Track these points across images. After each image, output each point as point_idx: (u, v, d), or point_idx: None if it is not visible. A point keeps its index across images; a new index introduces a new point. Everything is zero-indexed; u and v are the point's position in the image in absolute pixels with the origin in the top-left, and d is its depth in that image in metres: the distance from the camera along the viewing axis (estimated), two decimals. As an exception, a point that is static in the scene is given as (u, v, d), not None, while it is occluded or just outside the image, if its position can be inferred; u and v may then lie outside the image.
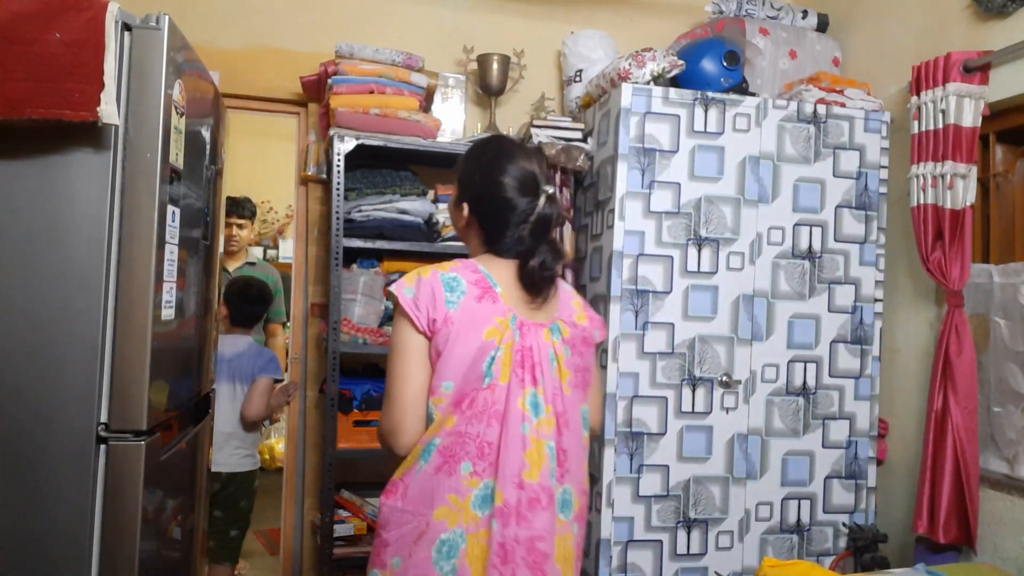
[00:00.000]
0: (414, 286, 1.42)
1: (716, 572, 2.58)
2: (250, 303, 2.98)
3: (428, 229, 2.79)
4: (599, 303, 2.64)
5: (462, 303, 1.41)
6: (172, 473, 1.85)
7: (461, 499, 1.36)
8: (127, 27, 1.60)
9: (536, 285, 1.47)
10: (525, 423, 1.40)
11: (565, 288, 1.60)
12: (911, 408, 2.69)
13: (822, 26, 3.13)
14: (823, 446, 2.67)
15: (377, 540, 1.43)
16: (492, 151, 1.53)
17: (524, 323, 1.44)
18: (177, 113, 1.72)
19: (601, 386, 1.82)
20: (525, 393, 1.41)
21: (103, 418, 1.58)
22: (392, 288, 1.45)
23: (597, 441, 2.57)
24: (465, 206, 1.53)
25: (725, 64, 2.70)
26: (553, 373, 1.46)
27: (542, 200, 1.47)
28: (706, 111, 2.60)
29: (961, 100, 2.42)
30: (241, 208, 3.68)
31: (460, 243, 2.78)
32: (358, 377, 2.81)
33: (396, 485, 1.44)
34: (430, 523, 1.36)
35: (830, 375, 2.69)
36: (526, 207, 1.46)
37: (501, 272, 1.48)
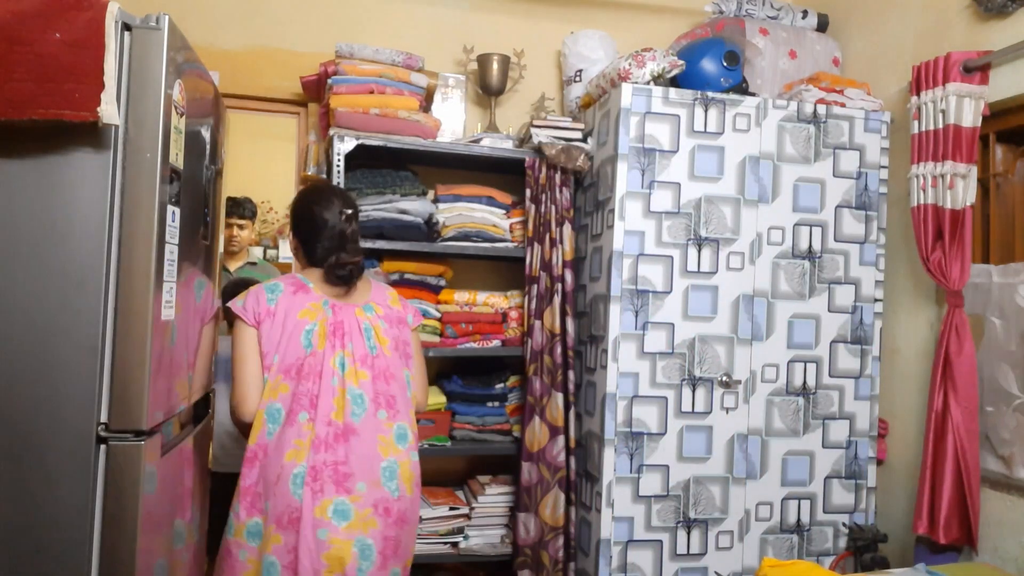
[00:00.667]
0: (243, 298, 1.92)
1: (716, 572, 2.58)
2: None
3: (428, 229, 2.79)
4: (599, 303, 2.64)
5: (279, 299, 1.91)
6: (172, 473, 1.85)
7: (303, 440, 1.82)
8: (127, 27, 1.60)
9: (339, 278, 1.96)
10: (334, 377, 1.88)
11: (380, 284, 2.15)
12: (911, 408, 2.69)
13: (822, 26, 3.13)
14: (823, 446, 2.67)
15: (248, 496, 1.84)
16: (308, 192, 2.12)
17: (336, 305, 1.95)
18: (177, 113, 1.72)
19: (425, 369, 2.18)
20: (335, 355, 1.89)
21: (103, 418, 1.58)
22: (228, 305, 1.93)
23: (597, 441, 2.58)
24: (292, 236, 2.07)
25: (725, 64, 2.70)
26: (369, 339, 1.95)
27: (340, 219, 1.98)
28: (706, 111, 2.60)
29: (961, 100, 2.42)
30: (242, 208, 3.68)
31: (460, 243, 2.80)
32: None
33: (255, 452, 1.85)
34: (284, 465, 1.81)
35: (830, 375, 2.69)
36: (329, 224, 1.98)
37: (313, 277, 1.99)
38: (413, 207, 2.72)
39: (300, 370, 1.86)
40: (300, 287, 1.95)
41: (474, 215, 2.81)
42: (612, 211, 2.56)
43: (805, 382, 2.67)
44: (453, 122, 3.04)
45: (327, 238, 1.98)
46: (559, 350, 2.73)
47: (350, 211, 2.02)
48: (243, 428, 1.87)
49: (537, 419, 2.72)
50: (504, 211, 2.88)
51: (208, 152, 2.08)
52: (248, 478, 1.85)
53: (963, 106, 2.42)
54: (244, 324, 1.90)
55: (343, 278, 1.97)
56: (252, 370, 1.88)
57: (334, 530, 1.79)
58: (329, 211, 2.00)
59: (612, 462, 2.52)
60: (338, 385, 1.87)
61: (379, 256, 2.80)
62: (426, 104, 2.86)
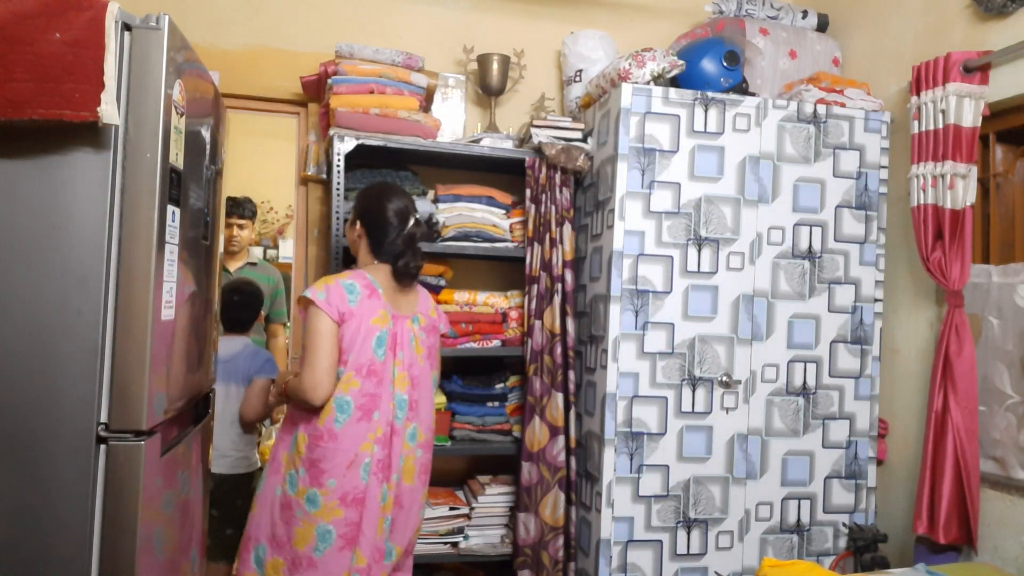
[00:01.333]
0: (323, 291, 2.04)
1: (716, 572, 2.58)
2: (235, 308, 2.97)
3: (428, 229, 2.79)
4: (599, 303, 2.64)
5: (359, 301, 2.06)
6: (172, 473, 1.85)
7: (373, 434, 2.05)
8: (127, 27, 1.60)
9: (403, 277, 2.17)
10: (390, 383, 2.10)
11: (424, 291, 2.32)
12: (911, 408, 2.69)
13: (822, 26, 3.13)
14: (823, 446, 2.67)
15: (313, 469, 2.01)
16: (385, 189, 2.27)
17: (395, 316, 2.14)
18: (177, 113, 1.72)
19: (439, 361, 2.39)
20: (393, 364, 2.11)
21: (103, 418, 1.58)
22: (306, 293, 2.06)
23: (597, 441, 2.58)
24: (359, 224, 2.21)
25: (725, 64, 2.70)
26: (411, 349, 2.16)
27: (411, 223, 2.18)
28: (706, 111, 2.60)
29: (961, 100, 2.42)
30: (242, 208, 3.68)
31: (460, 243, 2.80)
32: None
33: (321, 433, 2.02)
34: (358, 454, 2.03)
35: (830, 375, 2.69)
36: (399, 226, 2.17)
37: (380, 276, 2.15)
38: (413, 207, 2.72)
39: (370, 371, 2.05)
40: (372, 291, 2.10)
41: (474, 215, 2.81)
42: (612, 211, 2.56)
43: (805, 382, 2.67)
44: (453, 122, 3.04)
45: (400, 238, 2.17)
46: (559, 350, 2.73)
47: (419, 216, 2.25)
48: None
49: (537, 419, 2.72)
50: (504, 211, 2.88)
51: (208, 152, 2.08)
52: (314, 452, 2.02)
53: (963, 106, 2.42)
54: (326, 317, 2.02)
55: (410, 276, 2.19)
56: (330, 360, 2.02)
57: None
58: (406, 213, 2.19)
59: (612, 462, 2.52)
60: (392, 391, 2.10)
61: (379, 256, 2.80)
62: (426, 104, 2.86)
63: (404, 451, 2.13)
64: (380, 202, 2.20)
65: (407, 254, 2.16)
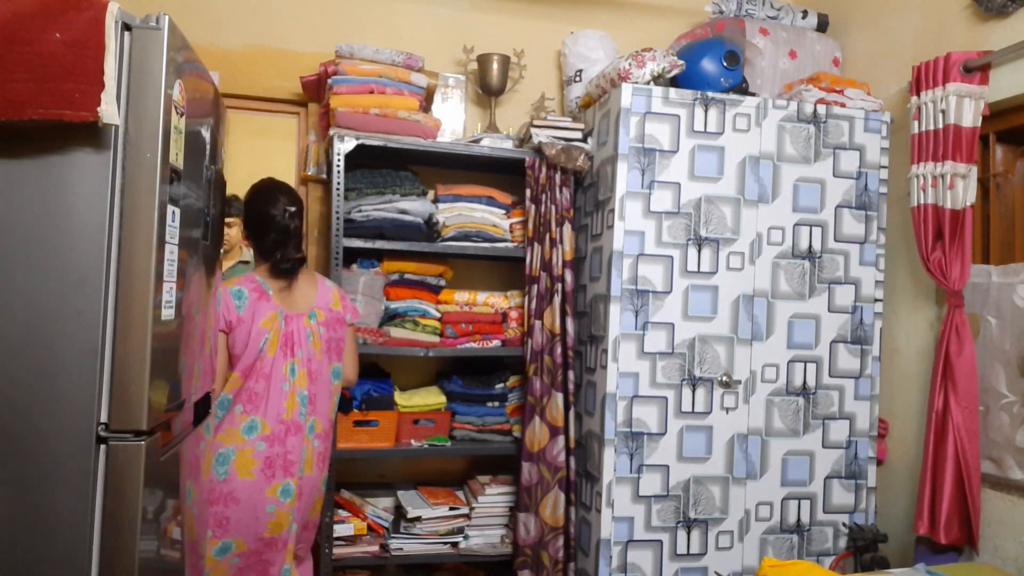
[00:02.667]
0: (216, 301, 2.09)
1: (716, 572, 2.58)
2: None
3: (428, 229, 2.79)
4: (599, 303, 2.64)
5: (246, 306, 2.17)
6: (172, 473, 1.85)
7: (234, 428, 2.14)
8: (127, 27, 1.60)
9: (281, 273, 2.22)
10: (285, 382, 2.19)
11: (327, 283, 2.36)
12: (911, 408, 2.69)
13: (822, 26, 3.13)
14: (823, 446, 2.67)
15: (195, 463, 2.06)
16: (257, 190, 2.34)
17: (288, 315, 2.20)
18: (177, 113, 1.72)
19: (356, 352, 2.45)
20: (287, 363, 2.19)
21: (103, 418, 1.57)
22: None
23: (597, 441, 2.58)
24: (245, 231, 2.35)
25: (725, 64, 2.70)
26: (309, 345, 2.22)
27: (283, 215, 2.23)
28: (706, 111, 2.60)
29: (961, 100, 2.42)
30: (228, 206, 3.68)
31: (460, 243, 2.80)
32: (359, 377, 2.81)
33: (198, 429, 2.07)
34: (212, 444, 2.10)
35: (830, 375, 2.69)
36: (275, 220, 2.22)
37: (267, 278, 2.22)
38: (413, 207, 2.73)
39: (255, 371, 2.16)
40: (262, 294, 2.20)
41: (474, 215, 2.81)
42: (612, 211, 2.56)
43: (805, 382, 2.67)
44: (453, 122, 3.04)
45: (273, 232, 2.23)
46: (559, 350, 2.73)
47: (294, 208, 2.27)
48: None
49: (537, 419, 2.72)
50: (504, 211, 2.88)
51: (208, 152, 2.08)
52: (195, 451, 2.09)
53: (963, 106, 2.42)
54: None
55: (286, 271, 2.23)
56: (220, 366, 2.14)
57: (280, 504, 2.19)
58: (275, 207, 2.24)
59: (612, 462, 2.52)
60: (288, 389, 2.19)
61: (379, 256, 2.80)
62: (426, 104, 2.86)
63: (304, 444, 2.21)
64: (252, 203, 2.29)
65: (281, 248, 2.22)
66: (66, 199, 1.56)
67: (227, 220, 3.65)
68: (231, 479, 2.14)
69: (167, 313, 1.70)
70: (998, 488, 2.35)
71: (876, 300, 2.73)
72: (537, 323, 2.77)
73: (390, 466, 3.07)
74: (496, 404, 2.88)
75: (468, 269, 3.13)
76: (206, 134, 2.04)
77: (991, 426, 2.38)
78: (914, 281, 2.71)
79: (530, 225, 2.79)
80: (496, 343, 2.84)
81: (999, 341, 2.38)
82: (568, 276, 2.76)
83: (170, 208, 1.70)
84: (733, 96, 2.64)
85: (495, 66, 3.01)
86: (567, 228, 2.78)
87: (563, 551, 2.70)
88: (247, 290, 2.19)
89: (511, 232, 2.87)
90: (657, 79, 2.64)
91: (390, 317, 2.77)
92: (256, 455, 2.15)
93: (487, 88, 3.05)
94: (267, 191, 2.31)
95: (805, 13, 3.10)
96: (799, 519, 2.66)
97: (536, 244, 2.79)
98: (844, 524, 2.69)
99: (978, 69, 2.41)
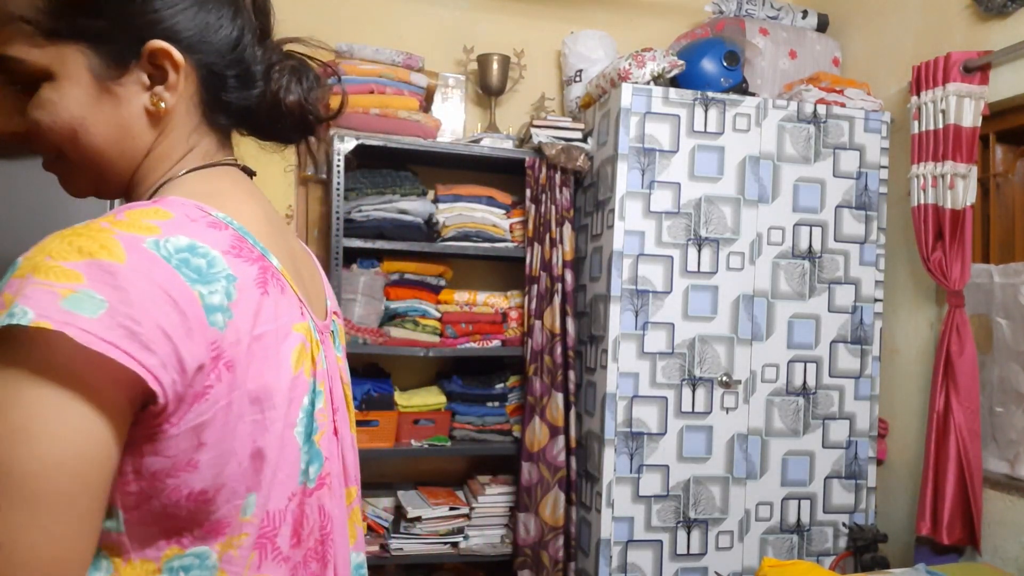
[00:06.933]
0: None
1: (716, 572, 2.58)
2: None
3: (428, 229, 2.79)
4: (599, 303, 2.64)
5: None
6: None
7: None
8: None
9: None
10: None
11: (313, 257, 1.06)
12: (911, 408, 2.69)
13: (822, 26, 3.13)
14: (823, 446, 2.67)
15: None
16: None
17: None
18: (177, 113, 1.72)
19: None
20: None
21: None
22: None
23: (597, 441, 2.57)
24: None
25: (725, 64, 2.70)
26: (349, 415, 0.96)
27: None
28: (706, 111, 2.60)
29: (961, 100, 2.42)
30: None
31: (460, 243, 2.80)
32: (358, 377, 2.81)
33: None
34: None
35: (830, 375, 2.69)
36: None
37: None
38: (413, 207, 2.72)
39: None
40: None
41: (474, 215, 2.81)
42: (612, 211, 2.56)
43: (805, 382, 2.67)
44: (453, 122, 3.04)
45: None
46: (559, 350, 2.73)
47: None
48: None
49: (537, 419, 2.72)
50: (504, 211, 2.88)
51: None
52: None
53: (963, 106, 2.42)
54: None
55: None
56: None
57: None
58: None
59: (612, 462, 2.52)
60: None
61: (379, 256, 2.80)
62: (426, 104, 2.86)
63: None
64: None
65: None
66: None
67: None
68: None
69: (167, 313, 1.70)
70: (999, 488, 2.35)
71: (876, 300, 2.73)
72: (537, 323, 2.76)
73: (390, 466, 3.07)
74: (496, 404, 2.88)
75: (468, 269, 3.13)
76: (206, 134, 2.05)
77: (1014, 427, 2.36)
78: (914, 281, 2.71)
79: (530, 225, 2.79)
80: (496, 343, 2.84)
81: (1013, 343, 2.37)
82: (568, 276, 2.76)
83: (170, 208, 1.70)
84: (733, 96, 2.64)
85: (495, 66, 3.01)
86: (567, 228, 2.78)
87: (563, 551, 2.70)
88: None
89: (511, 232, 2.87)
90: (657, 79, 2.64)
91: (390, 317, 2.77)
92: None
93: (487, 88, 3.05)
94: None
95: (805, 13, 3.10)
96: (799, 519, 2.66)
97: (536, 244, 2.79)
98: (844, 524, 2.69)
99: (978, 69, 2.41)
